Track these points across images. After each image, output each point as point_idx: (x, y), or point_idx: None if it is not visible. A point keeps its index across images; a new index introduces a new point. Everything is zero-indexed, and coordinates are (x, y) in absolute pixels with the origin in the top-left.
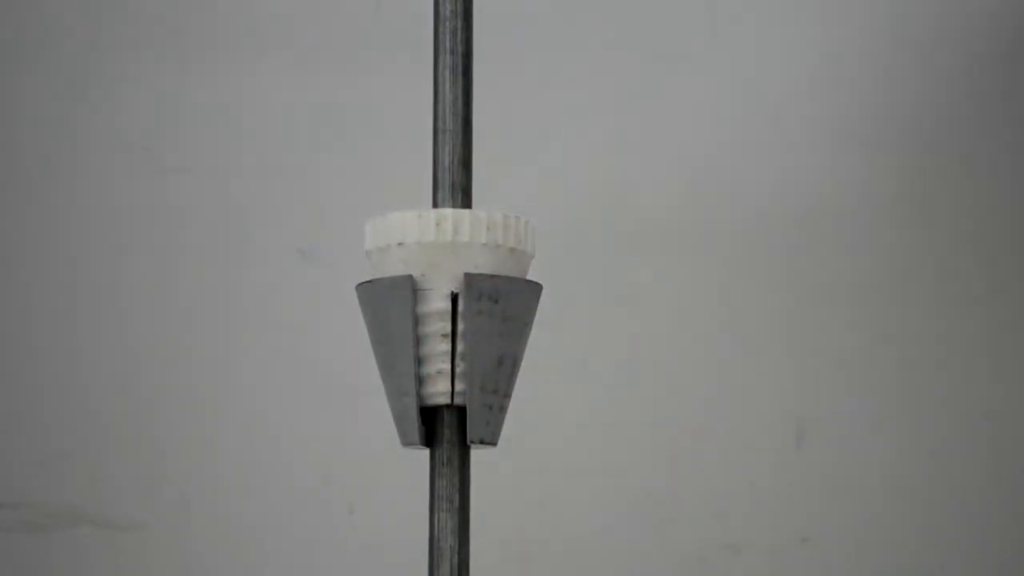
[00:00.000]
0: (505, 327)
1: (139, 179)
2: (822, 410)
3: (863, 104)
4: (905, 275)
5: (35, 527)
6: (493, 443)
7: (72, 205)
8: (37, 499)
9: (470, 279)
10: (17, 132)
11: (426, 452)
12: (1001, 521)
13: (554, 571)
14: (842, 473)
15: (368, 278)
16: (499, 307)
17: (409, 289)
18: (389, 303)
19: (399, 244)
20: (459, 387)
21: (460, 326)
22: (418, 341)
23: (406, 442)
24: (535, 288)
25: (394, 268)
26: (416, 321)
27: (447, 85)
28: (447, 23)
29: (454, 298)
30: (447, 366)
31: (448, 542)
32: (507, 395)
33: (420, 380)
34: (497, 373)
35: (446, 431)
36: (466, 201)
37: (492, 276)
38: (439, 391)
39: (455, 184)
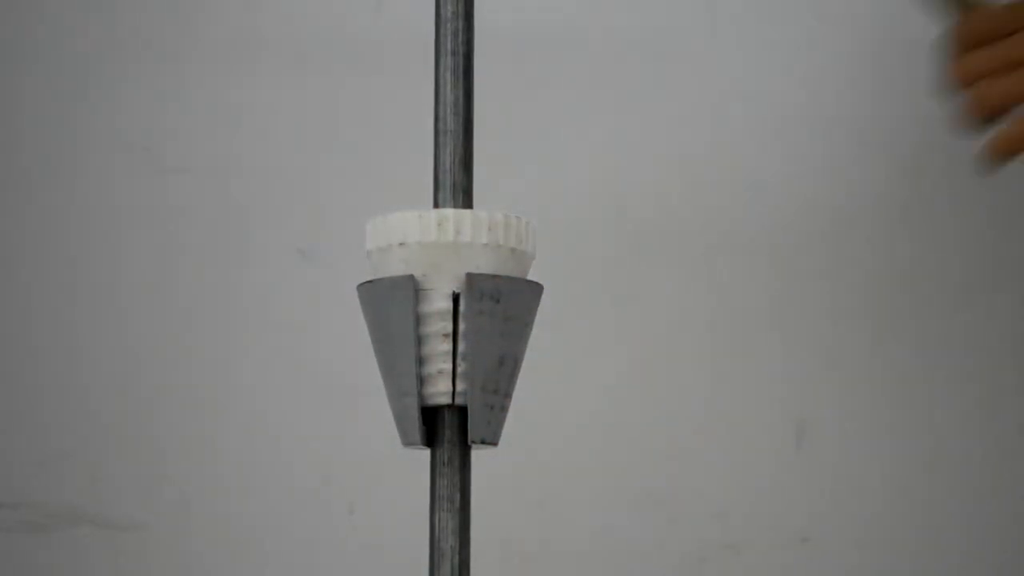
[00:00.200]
0: (506, 327)
1: (139, 179)
2: (822, 410)
3: (863, 104)
4: (905, 275)
5: (35, 527)
6: (494, 443)
7: (72, 205)
8: (37, 499)
9: (471, 279)
10: (17, 132)
11: (426, 452)
12: (1001, 521)
13: (554, 571)
14: (842, 473)
15: (369, 278)
16: (500, 307)
17: (411, 289)
18: (390, 303)
19: (400, 244)
20: (460, 387)
21: (461, 326)
22: (419, 341)
23: (407, 442)
24: (536, 288)
25: (395, 268)
26: (417, 321)
27: (448, 86)
28: (448, 24)
29: (455, 298)
30: (448, 366)
31: (449, 542)
32: (508, 395)
33: (421, 380)
34: (498, 373)
35: (447, 431)
36: (467, 201)
37: (494, 276)
38: (440, 391)
39: (456, 184)
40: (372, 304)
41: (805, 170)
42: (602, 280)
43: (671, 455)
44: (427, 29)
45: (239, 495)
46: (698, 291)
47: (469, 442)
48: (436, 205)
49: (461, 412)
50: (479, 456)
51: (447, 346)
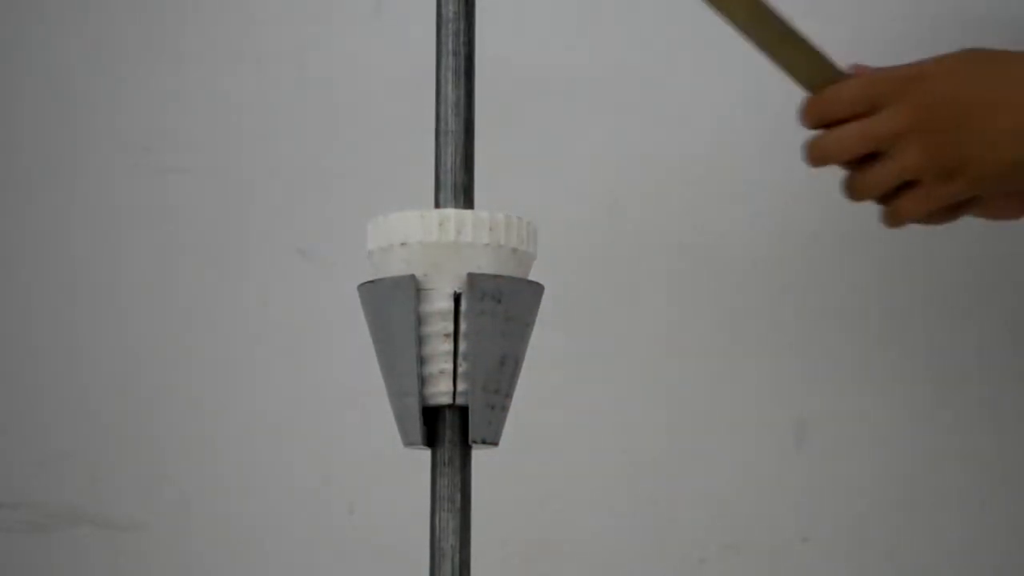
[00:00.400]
0: (507, 327)
1: (139, 179)
2: (822, 410)
3: None
4: (905, 275)
5: (35, 527)
6: (495, 443)
7: (72, 205)
8: (37, 499)
9: (473, 279)
10: (17, 132)
11: (426, 452)
12: (1001, 521)
13: (554, 571)
14: (842, 473)
15: (370, 278)
16: (502, 307)
17: (412, 289)
18: (391, 303)
19: (402, 244)
20: (461, 387)
21: (462, 326)
22: (420, 341)
23: (408, 442)
24: (537, 288)
25: (396, 268)
26: (418, 321)
27: (449, 86)
28: (449, 25)
29: (456, 298)
30: (449, 366)
31: (449, 542)
32: (509, 395)
33: (422, 380)
34: (499, 373)
35: (448, 431)
36: (468, 201)
37: (495, 276)
38: (441, 391)
39: (457, 184)
40: (373, 304)
41: (804, 170)
42: (602, 280)
43: (671, 455)
44: (428, 29)
45: (239, 495)
46: (698, 291)
47: (470, 442)
48: (437, 205)
49: (462, 412)
50: (478, 456)
51: (448, 346)
